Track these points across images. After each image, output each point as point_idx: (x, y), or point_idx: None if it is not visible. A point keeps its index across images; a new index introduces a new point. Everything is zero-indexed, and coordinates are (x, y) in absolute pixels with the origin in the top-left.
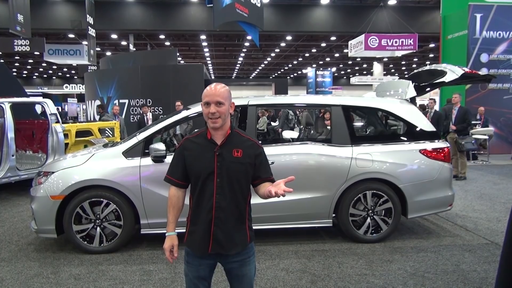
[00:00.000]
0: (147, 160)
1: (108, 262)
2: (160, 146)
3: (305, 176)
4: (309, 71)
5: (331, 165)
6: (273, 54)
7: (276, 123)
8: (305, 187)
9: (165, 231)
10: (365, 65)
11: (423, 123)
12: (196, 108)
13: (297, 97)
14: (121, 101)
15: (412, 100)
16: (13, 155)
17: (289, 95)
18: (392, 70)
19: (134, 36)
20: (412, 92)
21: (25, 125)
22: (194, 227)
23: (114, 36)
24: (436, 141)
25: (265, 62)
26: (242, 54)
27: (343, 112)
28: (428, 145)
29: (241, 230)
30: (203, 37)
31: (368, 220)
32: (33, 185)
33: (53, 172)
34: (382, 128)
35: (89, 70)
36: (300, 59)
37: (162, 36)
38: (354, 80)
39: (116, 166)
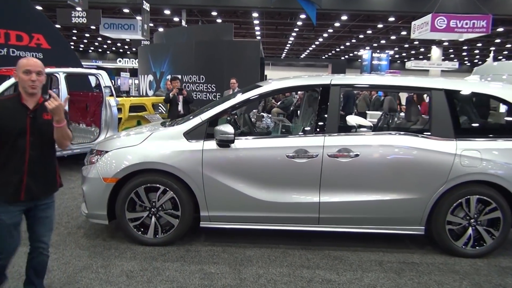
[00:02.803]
0: (211, 144)
1: (163, 258)
2: (228, 128)
3: (395, 173)
4: (365, 53)
5: (428, 161)
6: (325, 35)
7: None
8: (395, 186)
9: (228, 226)
10: (422, 49)
11: None
12: (269, 86)
13: (388, 77)
14: (170, 77)
15: None
16: None
17: (380, 76)
18: (452, 56)
19: (187, 12)
20: None
21: (79, 97)
22: (4, 179)
23: (167, 11)
24: None
25: (316, 43)
26: (294, 34)
27: (447, 98)
28: None
29: (52, 178)
30: (255, 14)
31: (470, 230)
32: (85, 163)
33: (106, 151)
34: (491, 119)
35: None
36: (353, 40)
37: (214, 13)
38: (409, 64)
39: (175, 149)
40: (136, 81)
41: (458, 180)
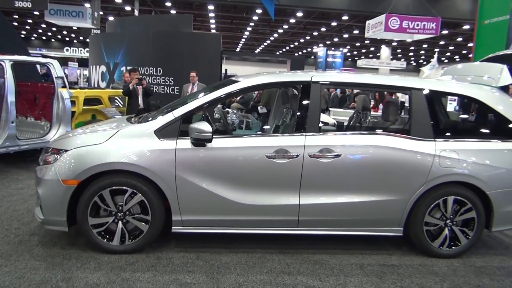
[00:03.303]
0: (185, 143)
1: (132, 268)
2: (205, 126)
3: (376, 173)
4: (320, 50)
5: (409, 162)
6: (280, 31)
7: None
8: (375, 187)
9: (202, 231)
10: (372, 48)
11: None
12: (249, 81)
13: (369, 76)
14: (129, 68)
15: (505, 89)
16: (13, 122)
17: (359, 73)
18: (399, 55)
19: (139, 1)
20: (507, 79)
21: (27, 88)
22: None
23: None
24: None
25: (271, 38)
26: (249, 28)
27: (427, 98)
28: None
29: None
30: (211, 7)
31: (446, 230)
32: (40, 163)
33: (66, 150)
34: (469, 120)
35: (92, 34)
36: (307, 37)
37: (168, 3)
38: (361, 62)
39: (145, 148)
40: (86, 72)
41: (437, 181)
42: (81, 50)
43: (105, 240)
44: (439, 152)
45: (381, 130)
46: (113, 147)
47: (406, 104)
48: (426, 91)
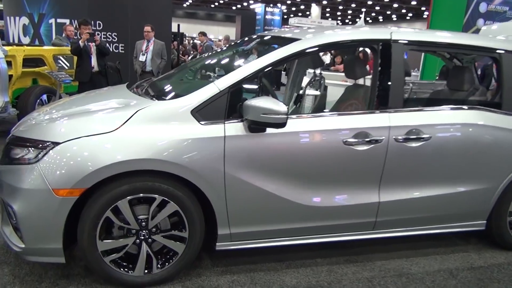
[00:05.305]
0: (236, 127)
1: None
2: (275, 104)
3: (465, 159)
4: (258, 7)
5: (501, 143)
6: None
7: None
8: (464, 175)
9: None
10: (302, 7)
11: None
12: (312, 40)
13: (458, 35)
14: (59, 20)
15: None
16: None
17: (445, 31)
18: (327, 15)
19: None
20: None
21: None
22: None
23: None
24: None
25: None
26: None
27: None
28: None
29: None
30: None
31: None
32: (7, 161)
33: (56, 143)
34: None
35: None
36: None
37: None
38: (292, 21)
39: (180, 136)
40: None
41: None
42: None
43: (123, 269)
44: None
45: (465, 104)
46: (131, 136)
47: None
48: None
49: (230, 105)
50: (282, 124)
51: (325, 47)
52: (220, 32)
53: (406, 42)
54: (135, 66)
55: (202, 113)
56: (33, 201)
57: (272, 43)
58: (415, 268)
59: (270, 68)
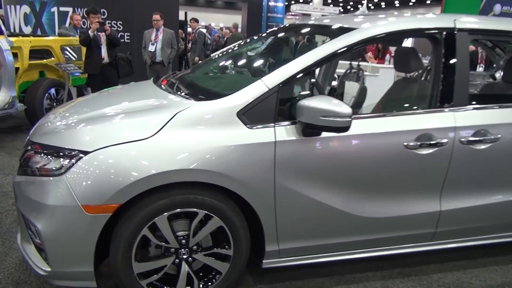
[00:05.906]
0: (288, 131)
1: None
2: (337, 105)
3: None
4: None
5: None
6: None
7: None
8: None
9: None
10: None
11: None
12: (370, 30)
13: None
14: (61, 9)
15: None
16: None
17: None
18: (329, 1)
19: None
20: None
21: None
22: None
23: None
24: None
25: None
26: None
27: None
28: None
29: None
30: None
31: None
32: (28, 172)
33: (85, 152)
34: None
35: None
36: None
37: None
38: (295, 8)
39: (225, 142)
40: None
41: None
42: None
43: None
44: None
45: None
46: (171, 143)
47: None
48: None
49: (280, 105)
50: (345, 128)
51: (384, 38)
52: (220, 20)
53: (473, 30)
54: (144, 56)
55: (249, 115)
56: (60, 220)
57: (318, 33)
58: (476, 282)
59: (325, 62)
